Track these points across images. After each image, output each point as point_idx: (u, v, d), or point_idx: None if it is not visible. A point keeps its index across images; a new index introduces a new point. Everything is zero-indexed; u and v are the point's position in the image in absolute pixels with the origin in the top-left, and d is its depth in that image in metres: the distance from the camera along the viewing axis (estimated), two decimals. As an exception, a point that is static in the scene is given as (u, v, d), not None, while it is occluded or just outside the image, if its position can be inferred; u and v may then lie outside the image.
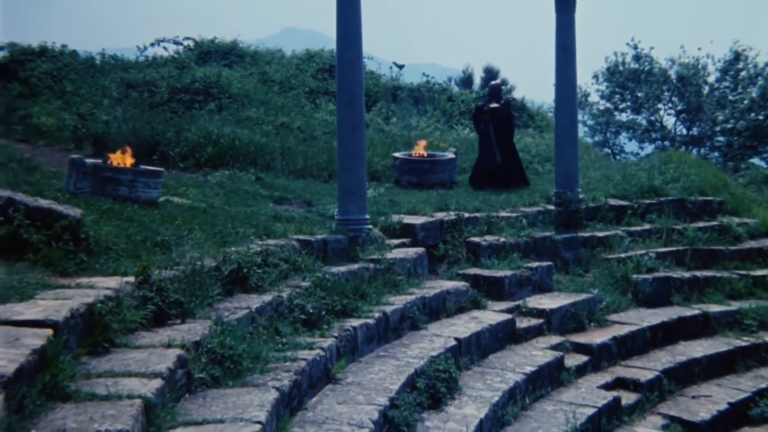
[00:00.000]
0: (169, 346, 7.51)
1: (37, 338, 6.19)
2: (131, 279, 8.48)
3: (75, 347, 6.92)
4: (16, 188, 10.65)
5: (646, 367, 12.97)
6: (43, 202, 9.60)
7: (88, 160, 13.52)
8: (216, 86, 24.94)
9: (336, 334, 9.67)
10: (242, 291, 9.98)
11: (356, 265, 12.22)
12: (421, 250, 14.01)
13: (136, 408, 5.86)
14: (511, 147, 20.19)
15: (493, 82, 21.65)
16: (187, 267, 9.27)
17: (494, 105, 19.97)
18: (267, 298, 9.77)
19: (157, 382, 6.51)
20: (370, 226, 13.68)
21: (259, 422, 6.52)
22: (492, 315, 12.55)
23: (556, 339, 12.87)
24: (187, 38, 29.80)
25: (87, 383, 6.37)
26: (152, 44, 28.77)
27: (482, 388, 10.12)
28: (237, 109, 24.02)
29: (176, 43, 29.25)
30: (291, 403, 7.86)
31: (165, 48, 28.94)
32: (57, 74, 24.78)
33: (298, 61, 29.35)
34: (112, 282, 8.26)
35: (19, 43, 26.53)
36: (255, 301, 9.57)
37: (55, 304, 7.14)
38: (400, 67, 31.19)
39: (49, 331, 6.41)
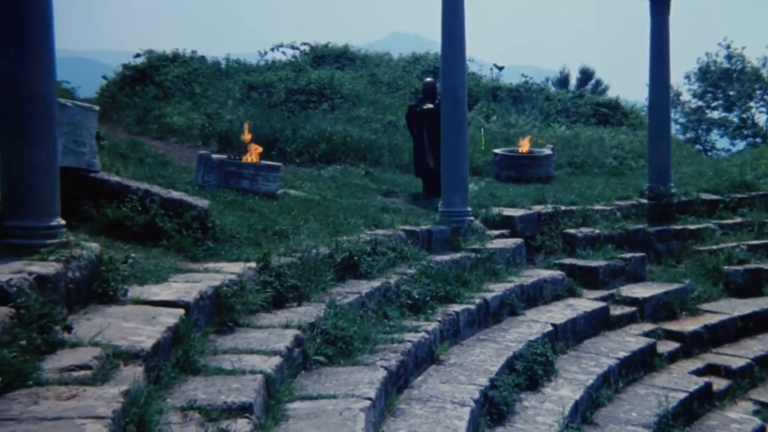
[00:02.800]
0: (287, 326, 7.66)
1: (171, 317, 6.40)
2: (253, 265, 8.67)
3: (204, 326, 7.12)
4: (152, 181, 10.96)
5: (737, 355, 12.66)
6: (176, 194, 9.88)
7: (215, 156, 13.83)
8: (329, 87, 25.17)
9: (439, 319, 9.71)
10: (353, 277, 10.09)
11: (458, 254, 12.24)
12: (519, 240, 13.95)
13: (258, 382, 6.01)
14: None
15: (427, 80, 17.71)
16: (303, 254, 9.41)
17: (429, 106, 16.48)
18: (376, 284, 9.86)
19: (276, 360, 6.65)
20: (472, 218, 13.67)
21: (369, 398, 6.61)
22: (587, 303, 12.42)
23: (648, 326, 12.66)
24: (303, 43, 30.13)
25: (214, 359, 6.55)
26: (272, 49, 29.15)
27: (577, 372, 10.04)
28: (348, 109, 24.20)
29: (293, 48, 29.59)
30: (398, 381, 7.93)
31: (283, 53, 29.31)
32: (187, 78, 25.36)
33: (404, 64, 29.40)
34: (236, 267, 8.45)
35: (155, 50, 27.23)
36: (365, 286, 9.67)
37: (186, 286, 7.36)
38: (500, 68, 31.00)
39: (181, 311, 6.62)
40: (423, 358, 8.84)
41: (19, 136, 6.69)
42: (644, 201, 17.22)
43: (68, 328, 5.59)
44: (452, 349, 9.57)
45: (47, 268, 6.04)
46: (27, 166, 6.70)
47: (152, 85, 24.93)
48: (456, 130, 13.48)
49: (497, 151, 20.23)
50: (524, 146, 20.21)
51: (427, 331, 9.08)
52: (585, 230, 15.09)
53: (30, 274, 5.78)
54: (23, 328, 5.20)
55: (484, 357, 9.36)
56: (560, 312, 11.70)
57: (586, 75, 47.14)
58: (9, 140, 6.75)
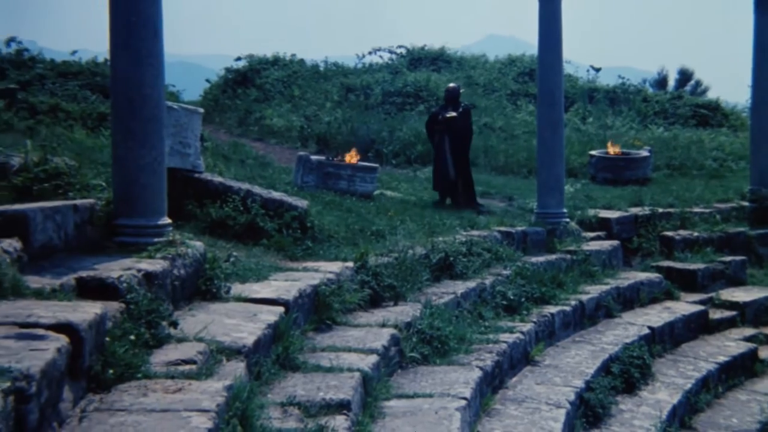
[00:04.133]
0: (383, 325, 7.69)
1: (271, 315, 6.49)
2: (350, 264, 8.73)
3: (303, 324, 7.20)
4: (253, 182, 11.15)
5: (841, 362, 12.23)
6: (276, 195, 10.03)
7: (313, 157, 14.00)
8: (425, 89, 25.20)
9: (535, 320, 9.63)
10: (448, 277, 10.08)
11: (554, 256, 12.13)
12: (615, 242, 13.76)
13: (355, 380, 6.04)
14: (465, 163, 15.37)
15: (450, 85, 16.66)
16: (400, 254, 9.44)
17: (451, 114, 15.23)
18: (471, 284, 9.84)
19: (373, 358, 6.68)
20: (567, 220, 13.53)
21: (464, 398, 6.59)
22: (685, 306, 12.17)
23: (749, 331, 12.33)
24: (400, 46, 30.25)
25: (313, 356, 6.62)
26: (369, 52, 29.36)
27: (675, 375, 9.84)
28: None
29: (390, 51, 29.72)
30: (493, 381, 7.89)
31: (380, 56, 29.50)
32: (287, 80, 25.70)
33: (500, 66, 29.25)
34: (334, 266, 8.52)
35: (256, 54, 27.67)
36: (460, 287, 9.65)
37: (285, 285, 7.46)
38: (597, 70, 30.57)
39: (281, 309, 6.70)
40: (518, 359, 8.78)
41: (129, 137, 6.88)
42: (745, 204, 16.77)
43: (174, 324, 5.72)
44: (547, 351, 9.48)
45: (155, 265, 6.18)
46: (136, 167, 6.88)
47: (253, 87, 25.34)
48: (552, 132, 13.36)
49: (593, 152, 19.97)
50: (612, 150, 19.89)
51: (522, 332, 9.01)
52: (683, 233, 14.78)
53: (139, 271, 5.93)
54: (132, 323, 5.33)
55: (579, 359, 9.24)
56: (657, 315, 11.49)
57: (685, 76, 46.08)
58: (120, 142, 6.95)
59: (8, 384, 3.48)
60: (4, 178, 7.00)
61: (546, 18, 13.19)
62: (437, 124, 15.40)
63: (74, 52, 23.45)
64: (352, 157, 14.36)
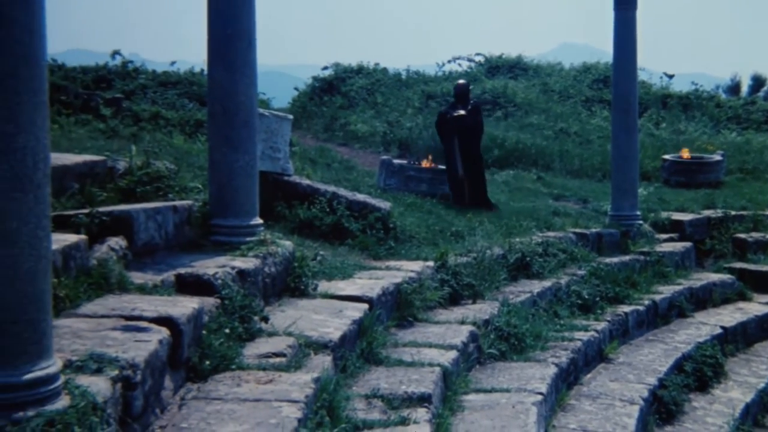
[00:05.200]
0: (462, 322, 7.66)
1: (356, 311, 6.52)
2: (431, 263, 8.72)
3: (385, 320, 7.21)
4: (338, 184, 11.22)
5: None
6: (360, 197, 10.08)
7: (396, 161, 14.02)
8: (503, 96, 25.05)
9: (609, 318, 9.50)
10: (525, 277, 10.00)
11: (627, 257, 11.94)
12: (688, 244, 13.47)
13: (436, 374, 6.04)
14: (476, 160, 14.04)
15: (459, 82, 15.25)
16: (478, 254, 9.40)
17: (460, 112, 13.94)
18: (547, 283, 9.74)
19: (452, 354, 6.67)
20: (641, 222, 13.30)
21: (540, 393, 6.53)
22: (758, 306, 11.83)
23: (825, 333, 11.94)
24: (478, 54, 30.09)
25: (395, 351, 6.63)
26: (449, 61, 29.26)
27: (747, 375, 9.59)
28: (521, 116, 24.02)
29: (469, 59, 29.59)
30: (568, 378, 7.80)
31: (459, 64, 29.37)
32: (370, 88, 25.81)
33: (575, 73, 28.87)
34: (415, 265, 8.53)
35: (342, 63, 27.86)
36: (536, 286, 9.57)
37: (369, 282, 7.49)
38: (670, 76, 29.95)
39: (365, 306, 6.74)
40: (592, 356, 8.66)
41: (224, 143, 6.99)
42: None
43: (265, 319, 5.79)
44: (621, 349, 9.33)
45: (247, 263, 6.27)
46: (231, 170, 6.99)
47: (339, 95, 25.50)
48: (626, 137, 13.15)
49: (666, 157, 19.58)
50: (685, 154, 19.47)
51: (596, 330, 8.89)
52: (756, 235, 14.37)
53: (233, 268, 6.02)
54: (227, 318, 5.42)
55: (652, 357, 9.08)
56: (730, 315, 11.21)
57: (758, 82, 44.89)
58: (216, 147, 7.06)
59: (116, 372, 3.57)
60: (111, 181, 7.19)
61: (621, 26, 12.99)
62: (446, 124, 14.18)
63: (173, 63, 23.89)
64: (428, 163, 14.34)
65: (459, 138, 13.76)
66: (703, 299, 11.72)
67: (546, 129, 23.05)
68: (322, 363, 5.35)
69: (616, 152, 13.39)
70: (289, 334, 5.67)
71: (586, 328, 8.87)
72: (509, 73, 28.74)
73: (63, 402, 3.11)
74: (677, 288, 11.34)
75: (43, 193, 3.07)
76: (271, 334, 5.66)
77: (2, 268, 2.94)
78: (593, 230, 12.40)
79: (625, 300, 10.31)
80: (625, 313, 9.81)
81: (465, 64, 29.38)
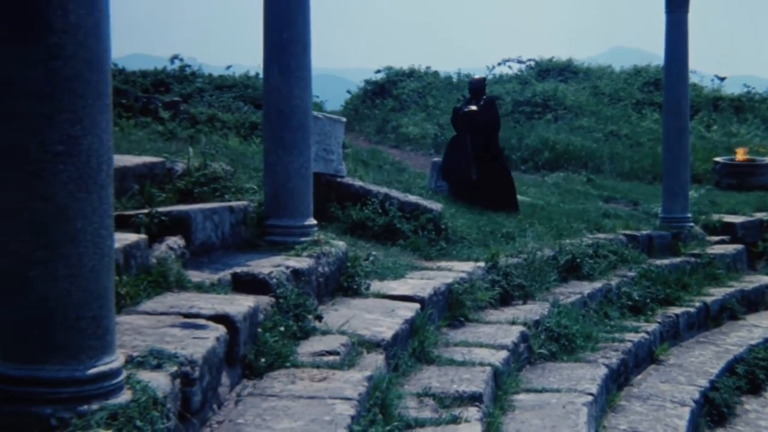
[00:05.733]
0: (513, 323, 7.61)
1: (408, 310, 6.52)
2: (482, 264, 8.68)
3: (437, 320, 7.19)
4: (390, 186, 11.21)
5: None
6: (412, 198, 10.07)
7: (446, 163, 13.94)
8: (553, 99, 24.89)
9: (659, 320, 9.38)
10: (575, 278, 9.91)
11: (678, 259, 11.78)
12: (740, 246, 13.25)
13: (487, 374, 6.00)
14: (496, 160, 13.09)
15: (475, 77, 14.58)
16: (529, 256, 9.34)
17: (472, 108, 13.00)
18: (597, 285, 9.65)
19: (503, 353, 6.63)
20: (692, 224, 13.11)
21: (591, 394, 6.46)
22: (810, 310, 11.61)
23: None
24: (529, 58, 29.92)
25: (446, 350, 6.60)
26: (499, 63, 29.11)
27: (800, 378, 9.39)
28: (571, 119, 23.84)
29: (519, 62, 29.39)
30: (618, 379, 7.71)
31: (509, 67, 29.19)
32: (422, 91, 25.82)
33: (626, 76, 28.55)
34: (466, 266, 8.49)
35: (394, 66, 27.90)
36: (586, 287, 9.48)
37: (421, 283, 7.48)
38: (722, 79, 29.48)
39: (417, 305, 6.72)
40: (643, 358, 8.56)
41: (279, 145, 7.03)
42: None
43: (319, 318, 5.81)
44: (672, 350, 9.20)
45: (302, 262, 6.30)
46: (285, 172, 7.03)
47: (390, 98, 25.54)
48: (677, 139, 12.98)
49: (718, 159, 19.28)
50: (740, 155, 19.14)
51: (647, 332, 8.78)
52: (809, 238, 14.09)
53: (287, 267, 6.05)
54: (281, 316, 5.45)
55: (703, 359, 8.94)
56: (783, 318, 11.00)
57: (811, 84, 43.93)
58: (271, 148, 7.11)
59: (175, 368, 3.61)
60: (170, 182, 7.28)
61: (673, 28, 12.82)
62: (459, 120, 13.17)
63: (229, 67, 24.11)
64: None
65: (471, 136, 12.74)
66: (755, 302, 11.51)
67: (596, 132, 22.85)
68: (374, 361, 5.35)
69: (667, 154, 13.23)
70: (343, 333, 5.68)
71: (636, 330, 8.76)
72: (559, 76, 28.51)
73: (125, 396, 3.15)
74: (728, 290, 11.16)
75: (107, 194, 3.11)
76: (324, 333, 5.68)
77: (68, 266, 2.99)
78: (644, 232, 12.26)
79: (676, 302, 10.18)
80: (676, 315, 9.68)
81: (515, 67, 29.22)
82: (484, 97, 13.37)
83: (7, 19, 2.95)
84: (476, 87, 13.48)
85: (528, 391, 6.53)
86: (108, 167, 3.12)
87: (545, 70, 29.07)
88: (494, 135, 13.22)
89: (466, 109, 13.11)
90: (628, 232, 12.08)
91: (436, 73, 27.98)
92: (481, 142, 12.73)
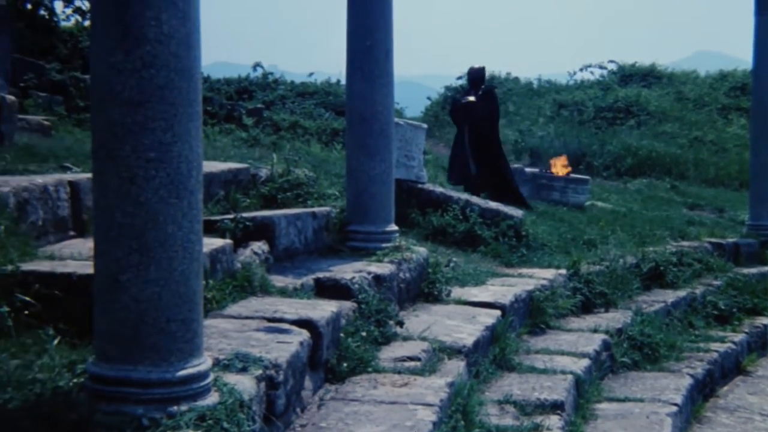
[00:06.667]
0: (595, 331, 7.51)
1: (488, 317, 6.48)
2: (563, 271, 8.59)
3: (517, 327, 7.13)
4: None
5: None
6: (492, 205, 10.01)
7: (527, 169, 13.89)
8: (635, 105, 24.54)
9: (746, 330, 9.15)
10: (658, 286, 9.75)
11: (766, 268, 11.48)
12: (832, 255, 12.82)
13: (568, 382, 5.93)
14: (494, 154, 12.52)
15: (473, 66, 13.08)
16: (611, 263, 9.21)
17: (470, 99, 12.45)
18: (681, 293, 9.47)
19: (585, 362, 6.54)
20: (782, 232, 12.76)
21: (675, 404, 6.33)
22: None
23: None
24: (611, 62, 29.55)
25: (527, 358, 6.55)
26: (580, 69, 28.85)
27: None
28: (654, 125, 23.47)
29: (601, 67, 29.08)
30: (704, 389, 7.53)
31: (591, 72, 28.91)
32: (502, 97, 25.63)
33: (711, 81, 27.99)
34: (547, 273, 8.41)
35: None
36: (670, 296, 9.31)
37: (502, 289, 7.43)
38: (812, 83, 28.67)
39: (498, 312, 6.68)
40: (729, 369, 8.34)
41: (361, 151, 7.07)
42: None
43: (400, 323, 5.81)
44: (760, 361, 8.95)
45: (383, 268, 6.31)
46: (367, 178, 7.05)
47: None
48: (766, 144, 12.64)
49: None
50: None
51: (733, 342, 8.57)
52: None
53: (369, 273, 6.07)
54: (363, 321, 5.47)
55: (794, 371, 8.68)
56: None
57: None
58: (353, 155, 7.15)
59: (260, 372, 3.65)
60: (254, 188, 7.39)
61: (763, 31, 12.51)
62: (457, 112, 12.70)
63: (311, 74, 24.39)
64: (558, 165, 14.12)
65: (469, 128, 12.13)
66: None
67: (680, 137, 22.46)
68: (455, 368, 5.33)
69: (754, 160, 12.92)
70: (424, 339, 5.67)
71: (722, 340, 8.56)
72: (642, 81, 28.08)
73: (212, 398, 3.20)
74: (820, 300, 10.80)
75: (196, 199, 3.17)
76: (405, 339, 5.68)
77: (159, 269, 3.05)
78: (730, 240, 11.99)
79: (765, 312, 9.93)
80: (764, 325, 9.44)
81: (597, 73, 28.90)
82: (483, 86, 12.80)
83: (105, 31, 3.03)
84: (475, 77, 12.86)
85: (610, 400, 6.43)
86: (197, 173, 3.17)
87: (628, 75, 28.67)
88: (494, 126, 12.74)
89: (464, 101, 12.63)
90: (713, 239, 11.83)
91: (516, 79, 27.87)
92: (481, 134, 12.14)
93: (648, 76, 28.71)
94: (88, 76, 13.76)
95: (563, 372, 6.15)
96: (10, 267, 3.96)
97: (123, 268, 3.05)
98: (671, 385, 6.84)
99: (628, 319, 8.03)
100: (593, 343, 7.07)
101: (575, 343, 7.04)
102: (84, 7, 17.10)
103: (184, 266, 3.12)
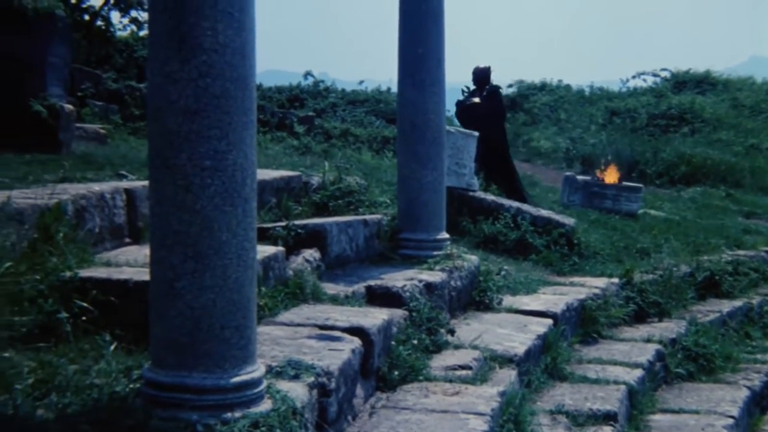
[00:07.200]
0: (648, 341, 7.42)
1: (540, 326, 6.43)
2: (615, 280, 8.50)
3: (569, 336, 7.07)
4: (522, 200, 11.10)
5: None
6: (544, 212, 9.95)
7: (579, 177, 13.77)
8: (690, 112, 24.20)
9: (808, 342, 8.95)
10: (714, 296, 9.62)
11: (826, 278, 11.21)
12: None
13: (621, 393, 5.86)
14: (501, 154, 12.36)
15: (479, 66, 12.81)
16: (665, 272, 9.09)
17: (474, 100, 12.33)
18: (737, 303, 9.32)
19: (638, 372, 6.46)
20: (842, 241, 12.48)
21: (732, 416, 6.21)
22: None
23: None
24: (664, 69, 29.21)
25: (579, 367, 6.48)
26: (633, 76, 28.59)
27: None
28: (708, 132, 23.12)
29: (654, 75, 28.77)
30: (761, 402, 7.38)
31: (644, 79, 28.63)
32: (553, 105, 25.61)
33: (768, 87, 27.55)
34: (599, 282, 8.33)
35: (525, 80, 27.82)
36: (726, 305, 9.17)
37: (553, 298, 7.37)
38: None
39: (550, 321, 6.62)
40: (787, 381, 8.16)
41: (413, 159, 7.06)
42: None
43: (451, 332, 5.79)
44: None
45: (434, 276, 6.30)
46: (419, 186, 7.04)
47: (522, 112, 25.42)
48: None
49: None
50: None
51: (792, 354, 8.39)
52: None
53: (420, 281, 6.06)
54: (414, 329, 5.46)
55: None
56: None
57: None
58: (405, 162, 7.15)
59: (312, 379, 3.66)
60: (305, 195, 7.43)
61: (819, 38, 12.26)
62: (462, 114, 12.45)
63: (361, 82, 24.49)
64: (613, 179, 13.96)
65: (475, 129, 11.04)
66: None
67: (736, 145, 22.10)
68: (507, 377, 5.29)
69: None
70: (475, 348, 5.64)
71: (781, 351, 8.40)
72: (696, 88, 27.69)
73: (266, 405, 3.21)
74: None
75: (251, 207, 3.19)
76: (456, 347, 5.65)
77: (213, 277, 3.08)
78: (789, 249, 11.77)
79: (824, 322, 9.69)
80: (824, 337, 9.21)
81: (650, 80, 28.59)
82: (487, 87, 12.57)
83: (162, 41, 3.07)
84: (480, 77, 12.62)
85: (664, 411, 6.34)
86: (252, 181, 3.20)
87: (681, 82, 28.31)
88: (500, 126, 12.53)
89: (469, 102, 12.47)
90: (770, 249, 11.62)
91: (568, 87, 27.72)
92: (487, 134, 11.54)
93: (702, 82, 28.31)
94: (143, 85, 14.09)
95: (616, 382, 6.09)
96: (68, 273, 4.02)
97: (178, 275, 3.08)
98: (727, 397, 6.72)
99: (683, 329, 7.92)
100: (647, 353, 6.98)
101: (628, 352, 6.96)
102: (140, 18, 17.40)
103: (238, 273, 3.14)
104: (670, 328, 7.96)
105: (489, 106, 12.34)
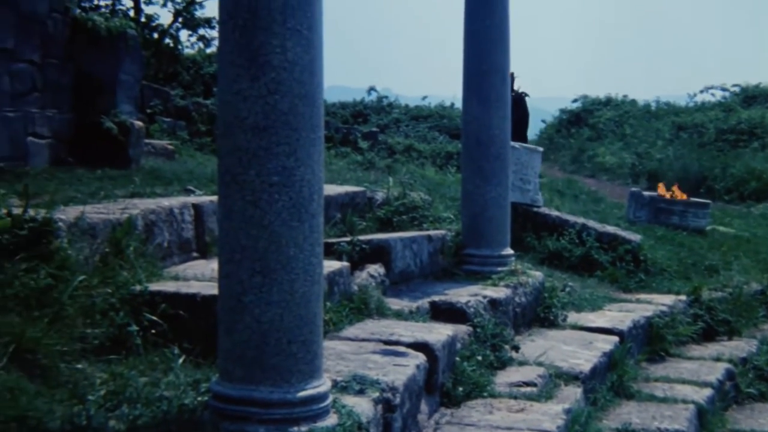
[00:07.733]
0: (717, 359, 7.26)
1: (606, 343, 6.35)
2: (683, 297, 8.36)
3: (636, 353, 6.96)
4: (587, 216, 10.98)
5: None
6: (609, 229, 9.83)
7: (645, 193, 13.57)
8: (760, 126, 23.64)
9: None
10: (786, 315, 9.33)
11: None
12: None
13: (690, 412, 5.75)
14: None
15: None
16: (734, 290, 8.88)
17: None
18: (812, 323, 9.03)
19: (707, 391, 6.32)
20: None
21: (806, 440, 6.05)
22: None
23: None
24: (734, 85, 28.66)
25: (646, 385, 6.37)
26: (701, 91, 28.10)
27: None
28: (780, 148, 22.58)
29: (723, 89, 28.23)
30: (836, 424, 7.17)
31: (712, 94, 28.11)
32: (619, 120, 25.31)
33: None
34: (667, 299, 8.19)
35: (590, 95, 27.58)
36: (799, 325, 8.90)
37: (619, 315, 7.27)
38: None
39: (616, 338, 6.54)
40: None
41: (477, 174, 7.05)
42: None
43: (516, 348, 5.76)
44: None
45: (499, 292, 6.27)
46: (483, 201, 7.03)
47: (586, 127, 25.17)
48: None
49: None
50: None
51: None
52: None
53: (484, 297, 6.04)
54: (479, 345, 5.44)
55: None
56: None
57: None
58: (469, 178, 7.14)
59: (377, 394, 3.67)
60: (370, 211, 7.46)
61: None
62: None
63: (424, 98, 24.52)
64: (680, 195, 13.71)
65: None
66: None
67: (813, 160, 21.54)
68: (572, 394, 5.23)
69: None
70: (540, 364, 5.60)
71: None
72: (767, 102, 27.09)
73: (331, 420, 3.23)
74: None
75: (317, 223, 3.22)
76: (521, 363, 5.62)
77: (281, 291, 3.11)
78: None
79: None
80: None
81: (718, 94, 28.05)
82: (512, 93, 12.34)
83: (232, 59, 3.12)
84: None
85: (735, 432, 6.19)
86: (319, 197, 3.23)
87: (751, 96, 27.70)
88: (523, 133, 12.45)
89: None
90: None
91: (633, 102, 27.39)
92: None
93: (774, 96, 27.71)
94: (210, 101, 14.30)
95: (684, 401, 5.97)
96: (138, 287, 4.10)
97: (246, 290, 3.12)
98: (801, 419, 6.54)
99: (754, 348, 7.73)
100: (716, 371, 6.83)
101: (697, 371, 6.83)
102: (207, 36, 17.68)
103: (305, 288, 3.16)
104: (740, 346, 7.78)
105: (515, 113, 12.11)
